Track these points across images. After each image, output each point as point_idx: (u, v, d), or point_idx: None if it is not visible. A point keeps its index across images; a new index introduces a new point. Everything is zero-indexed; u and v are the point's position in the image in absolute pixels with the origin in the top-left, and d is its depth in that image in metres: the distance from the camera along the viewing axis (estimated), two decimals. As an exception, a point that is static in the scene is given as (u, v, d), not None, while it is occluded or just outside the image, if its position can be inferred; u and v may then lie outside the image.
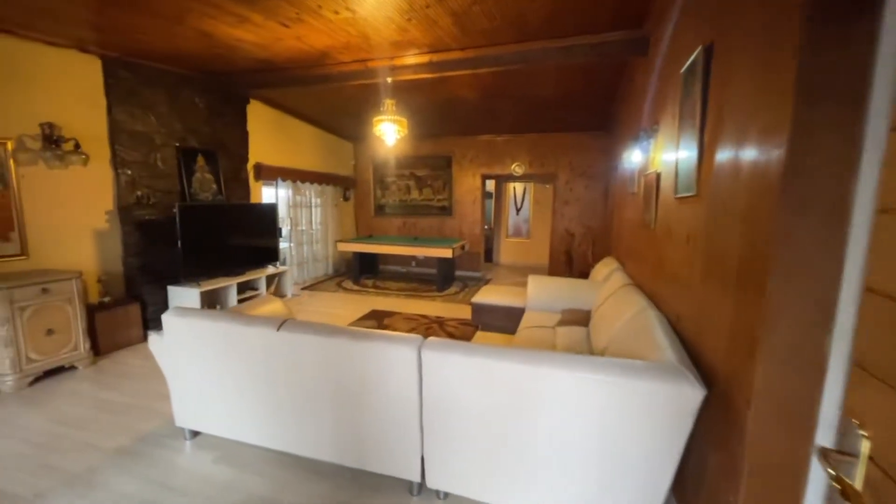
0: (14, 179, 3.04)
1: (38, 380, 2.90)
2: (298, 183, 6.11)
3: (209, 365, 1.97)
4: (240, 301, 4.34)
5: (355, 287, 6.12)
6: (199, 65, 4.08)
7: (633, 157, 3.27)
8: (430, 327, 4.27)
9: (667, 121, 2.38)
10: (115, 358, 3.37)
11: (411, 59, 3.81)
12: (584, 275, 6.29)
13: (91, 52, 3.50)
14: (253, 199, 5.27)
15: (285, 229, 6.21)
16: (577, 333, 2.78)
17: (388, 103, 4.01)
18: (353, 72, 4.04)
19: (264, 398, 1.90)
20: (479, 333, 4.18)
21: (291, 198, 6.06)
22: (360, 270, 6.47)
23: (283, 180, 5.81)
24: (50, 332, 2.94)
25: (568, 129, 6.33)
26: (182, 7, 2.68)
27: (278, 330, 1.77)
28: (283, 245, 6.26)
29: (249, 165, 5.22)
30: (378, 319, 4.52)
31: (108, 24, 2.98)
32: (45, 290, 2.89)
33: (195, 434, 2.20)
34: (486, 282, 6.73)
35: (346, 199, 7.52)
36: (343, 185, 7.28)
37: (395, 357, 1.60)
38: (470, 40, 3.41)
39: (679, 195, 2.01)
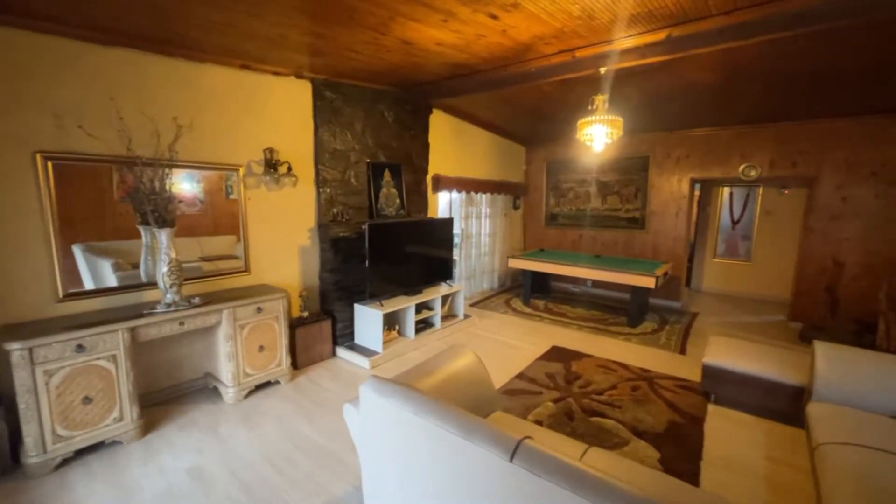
0: (243, 202, 3.31)
1: (250, 393, 3.10)
2: (472, 193, 5.77)
3: (412, 468, 1.51)
4: (418, 324, 4.14)
5: (526, 309, 5.48)
6: (393, 78, 3.96)
7: None
8: (637, 387, 3.29)
9: None
10: (309, 375, 3.46)
11: (640, 38, 2.88)
12: (863, 325, 4.27)
13: (305, 77, 3.65)
14: (430, 212, 5.11)
15: (458, 241, 5.98)
16: None
17: (600, 100, 3.17)
18: (555, 65, 3.31)
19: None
20: (711, 408, 3.02)
21: (464, 208, 5.77)
22: (531, 290, 5.80)
23: (459, 191, 5.53)
24: (261, 348, 3.09)
25: (851, 111, 4.36)
26: (391, 10, 2.39)
27: (511, 460, 1.17)
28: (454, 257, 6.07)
29: (428, 178, 5.07)
30: (564, 362, 3.76)
31: (325, 46, 2.95)
32: (259, 309, 3.05)
33: (385, 523, 1.83)
34: (693, 318, 5.26)
35: (515, 207, 6.95)
36: (513, 192, 6.71)
37: None
38: (748, -4, 2.31)
39: None
